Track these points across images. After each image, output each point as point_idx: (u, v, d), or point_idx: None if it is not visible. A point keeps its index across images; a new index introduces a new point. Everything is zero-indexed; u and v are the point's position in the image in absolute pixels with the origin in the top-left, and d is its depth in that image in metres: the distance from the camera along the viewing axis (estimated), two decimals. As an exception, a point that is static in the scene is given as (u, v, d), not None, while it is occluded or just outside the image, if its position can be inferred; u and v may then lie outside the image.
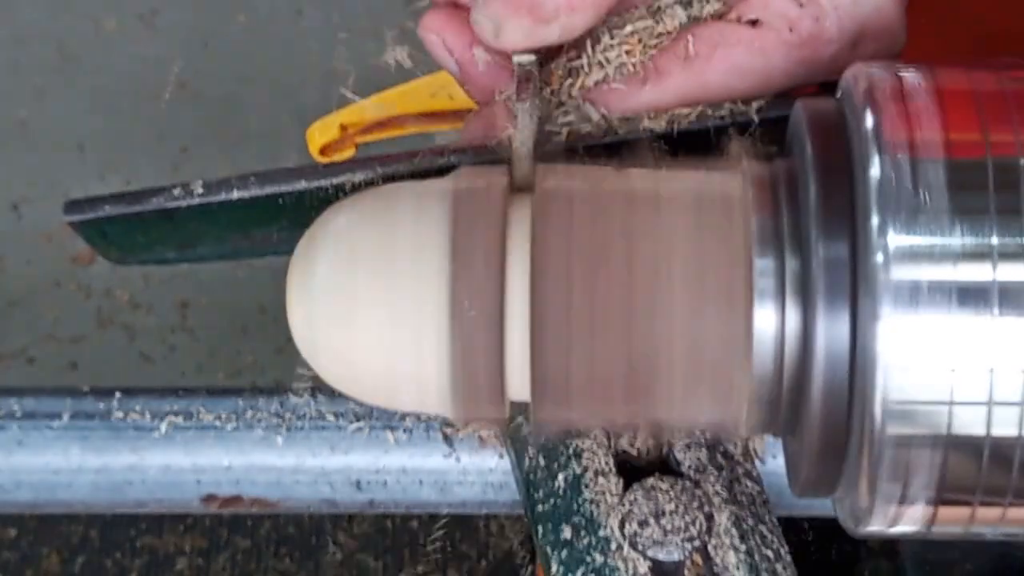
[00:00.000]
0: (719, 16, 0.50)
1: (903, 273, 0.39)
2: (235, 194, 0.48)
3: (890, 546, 0.78)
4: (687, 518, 0.47)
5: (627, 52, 0.50)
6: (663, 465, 0.50)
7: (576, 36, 0.49)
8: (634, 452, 0.51)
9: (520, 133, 0.46)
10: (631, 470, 0.50)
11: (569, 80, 0.50)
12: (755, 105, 0.50)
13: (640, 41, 0.50)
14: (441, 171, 0.47)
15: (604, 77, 0.50)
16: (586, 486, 0.49)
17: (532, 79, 0.48)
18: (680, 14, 0.50)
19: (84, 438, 0.54)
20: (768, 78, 0.49)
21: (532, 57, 0.49)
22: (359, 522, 1.47)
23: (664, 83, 0.49)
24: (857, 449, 0.40)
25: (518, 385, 0.44)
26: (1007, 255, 0.39)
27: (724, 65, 0.49)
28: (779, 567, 0.47)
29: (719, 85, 0.49)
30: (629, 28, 0.50)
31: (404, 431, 0.54)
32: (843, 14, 0.49)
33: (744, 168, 0.44)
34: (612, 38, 0.50)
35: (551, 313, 0.42)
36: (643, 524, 0.47)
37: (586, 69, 0.50)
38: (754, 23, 0.49)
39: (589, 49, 0.50)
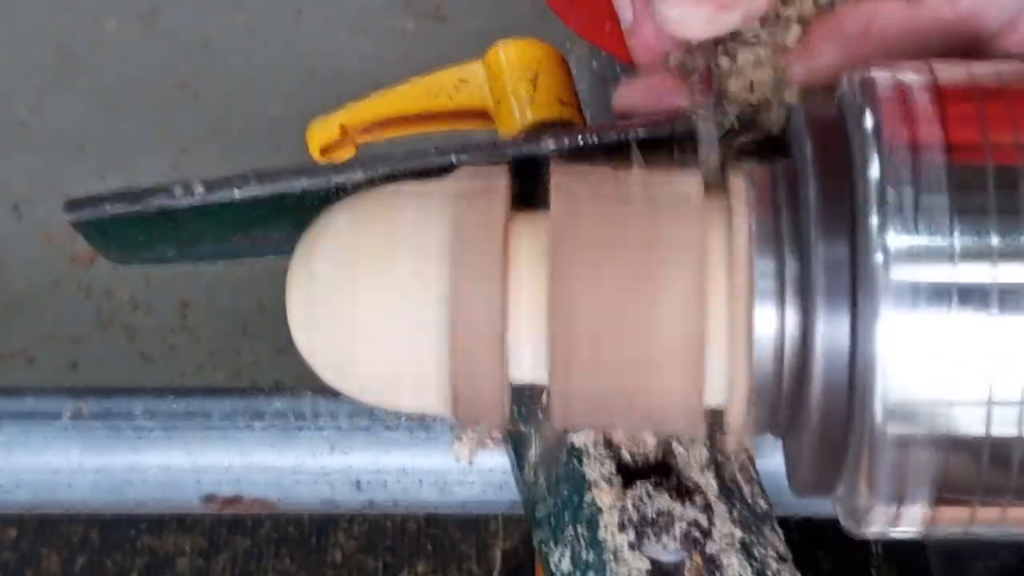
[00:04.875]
0: None
1: (903, 273, 0.39)
2: (235, 194, 0.48)
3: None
4: (687, 518, 0.47)
5: (783, 32, 0.49)
6: (663, 465, 0.50)
7: (756, 19, 0.49)
8: (634, 453, 0.51)
9: (704, 129, 0.47)
10: (631, 470, 0.50)
11: (732, 62, 0.50)
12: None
13: (801, 21, 0.49)
14: (441, 171, 0.47)
15: (765, 57, 0.50)
16: (586, 486, 0.49)
17: (711, 69, 0.48)
18: None
19: (84, 438, 0.54)
20: (923, 57, 0.48)
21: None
22: (359, 522, 1.47)
23: (814, 62, 0.48)
24: (857, 449, 0.40)
25: (521, 382, 0.44)
26: (1007, 255, 0.39)
27: (877, 44, 0.48)
28: (780, 567, 0.47)
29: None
30: (791, 10, 0.50)
31: (404, 431, 0.54)
32: None
33: (744, 168, 0.44)
34: (776, 20, 0.50)
35: (565, 313, 0.42)
36: (643, 524, 0.47)
37: (749, 51, 0.50)
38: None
39: (755, 32, 0.50)
